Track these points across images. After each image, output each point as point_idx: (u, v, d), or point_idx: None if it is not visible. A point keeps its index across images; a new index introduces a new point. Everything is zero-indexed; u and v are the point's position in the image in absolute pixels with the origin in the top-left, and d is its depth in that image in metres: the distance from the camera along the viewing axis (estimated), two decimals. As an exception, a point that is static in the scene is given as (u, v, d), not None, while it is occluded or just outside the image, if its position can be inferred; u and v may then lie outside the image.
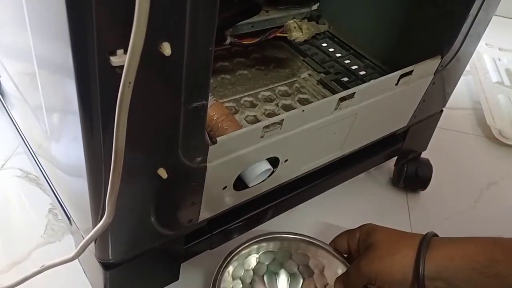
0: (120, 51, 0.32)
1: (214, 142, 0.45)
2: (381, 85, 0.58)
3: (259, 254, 0.63)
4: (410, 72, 0.59)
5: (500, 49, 1.32)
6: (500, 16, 1.47)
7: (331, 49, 0.78)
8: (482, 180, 0.90)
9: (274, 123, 0.49)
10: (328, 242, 0.63)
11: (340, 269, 0.60)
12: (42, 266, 0.48)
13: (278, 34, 0.72)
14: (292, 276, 0.63)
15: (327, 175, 0.67)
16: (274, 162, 0.54)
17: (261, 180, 0.54)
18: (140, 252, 0.50)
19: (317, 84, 0.70)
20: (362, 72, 0.73)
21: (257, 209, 0.61)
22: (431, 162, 0.83)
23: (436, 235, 0.53)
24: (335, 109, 0.55)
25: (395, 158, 0.81)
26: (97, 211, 0.42)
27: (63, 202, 0.58)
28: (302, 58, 0.75)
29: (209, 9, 0.34)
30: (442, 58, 0.63)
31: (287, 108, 0.65)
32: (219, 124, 0.52)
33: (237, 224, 0.60)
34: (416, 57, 0.61)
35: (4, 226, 0.69)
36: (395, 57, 0.72)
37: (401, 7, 0.69)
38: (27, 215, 0.71)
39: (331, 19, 0.80)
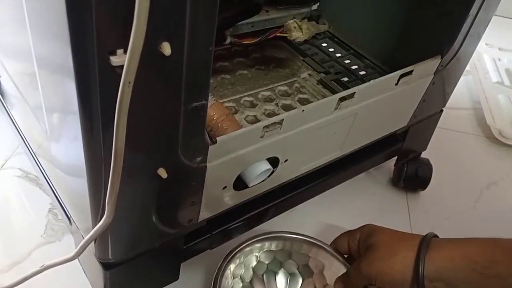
0: (120, 51, 0.32)
1: (214, 142, 0.45)
2: (381, 85, 0.58)
3: (259, 253, 0.63)
4: (410, 72, 0.59)
5: (500, 49, 1.32)
6: (500, 16, 1.47)
7: (331, 49, 0.78)
8: (482, 180, 0.90)
9: (274, 123, 0.49)
10: (328, 242, 0.63)
11: (340, 270, 0.60)
12: (42, 266, 0.48)
13: (278, 34, 0.72)
14: (291, 276, 0.63)
15: (327, 175, 0.67)
16: (274, 162, 0.54)
17: (261, 180, 0.54)
18: (140, 252, 0.50)
19: (317, 84, 0.70)
20: (362, 72, 0.73)
21: (257, 209, 0.61)
22: (431, 162, 0.83)
23: (436, 236, 0.53)
24: (335, 109, 0.55)
25: (395, 158, 0.81)
26: (97, 211, 0.42)
27: (63, 202, 0.58)
28: (302, 58, 0.75)
29: (209, 9, 0.34)
30: (442, 58, 0.63)
31: (287, 108, 0.65)
32: (219, 124, 0.52)
33: (237, 224, 0.60)
34: (416, 57, 0.61)
35: (4, 226, 0.69)
36: (395, 57, 0.72)
37: (401, 7, 0.69)
38: (27, 215, 0.71)
39: (331, 19, 0.80)
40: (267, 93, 0.67)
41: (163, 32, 0.33)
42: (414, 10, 0.68)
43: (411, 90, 0.64)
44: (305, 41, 0.76)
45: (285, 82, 0.70)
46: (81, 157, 0.38)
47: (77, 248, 0.44)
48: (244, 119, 0.62)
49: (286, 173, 0.58)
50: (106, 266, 0.49)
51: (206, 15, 0.34)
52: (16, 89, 0.60)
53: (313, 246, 0.63)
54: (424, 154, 0.84)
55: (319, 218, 0.76)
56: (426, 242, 0.51)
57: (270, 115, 0.64)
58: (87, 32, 0.30)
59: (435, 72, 0.64)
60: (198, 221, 0.53)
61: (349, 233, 0.60)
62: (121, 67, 0.31)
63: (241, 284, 0.61)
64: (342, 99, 0.54)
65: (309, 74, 0.72)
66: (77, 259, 0.46)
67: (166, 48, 0.33)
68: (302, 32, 0.73)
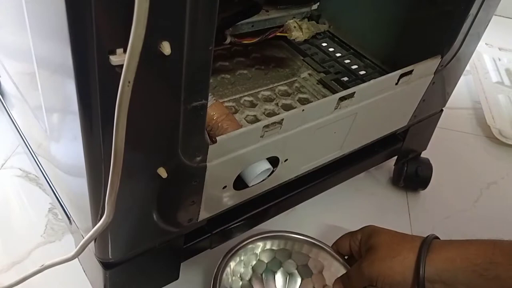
0: (119, 50, 0.32)
1: (214, 142, 0.45)
2: (381, 85, 0.58)
3: (260, 252, 0.63)
4: (410, 72, 0.59)
5: (500, 49, 1.32)
6: (500, 16, 1.47)
7: (331, 49, 0.78)
8: (482, 180, 0.90)
9: (274, 123, 0.49)
10: (328, 241, 0.63)
11: (340, 271, 0.60)
12: (42, 265, 0.48)
13: (278, 34, 0.72)
14: (290, 276, 0.63)
15: (327, 175, 0.67)
16: (274, 161, 0.54)
17: (261, 179, 0.54)
18: (140, 252, 0.50)
19: (317, 83, 0.70)
20: (362, 72, 0.73)
21: (257, 209, 0.61)
22: (431, 161, 0.83)
23: (437, 237, 0.53)
24: (335, 109, 0.55)
25: (395, 157, 0.81)
26: (97, 211, 0.42)
27: (63, 201, 0.58)
28: (302, 58, 0.75)
29: (209, 9, 0.34)
30: (442, 57, 0.63)
31: (287, 107, 0.65)
32: (219, 124, 0.52)
33: (237, 224, 0.60)
34: (416, 57, 0.61)
35: (4, 226, 0.69)
36: (395, 56, 0.72)
37: (401, 6, 0.69)
38: (27, 214, 0.71)
39: (331, 19, 0.80)
40: (267, 93, 0.67)
41: (162, 31, 0.33)
42: (414, 9, 0.68)
43: (411, 89, 0.64)
44: (305, 41, 0.76)
45: (285, 81, 0.70)
46: (81, 157, 0.38)
47: (77, 248, 0.44)
48: (244, 118, 0.62)
49: (286, 172, 0.58)
50: (106, 265, 0.49)
51: (206, 14, 0.34)
52: (16, 89, 0.60)
53: (313, 247, 0.63)
54: (424, 154, 0.84)
55: (319, 217, 0.76)
56: (427, 243, 0.51)
57: (270, 114, 0.64)
58: (87, 32, 0.30)
59: (435, 72, 0.64)
60: (198, 220, 0.53)
61: (351, 234, 0.60)
62: (121, 66, 0.31)
63: (240, 283, 0.61)
64: (342, 98, 0.54)
65: (309, 74, 0.72)
66: (77, 259, 0.46)
67: (166, 48, 0.33)
68: (302, 31, 0.72)
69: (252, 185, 0.54)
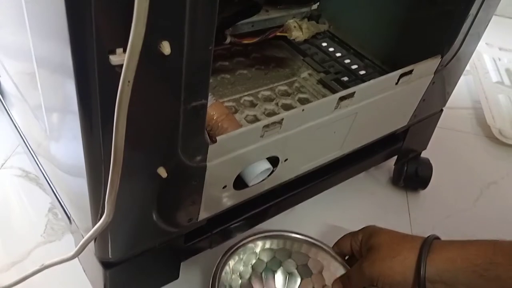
0: (119, 50, 0.32)
1: (214, 141, 0.45)
2: (381, 85, 0.58)
3: (259, 251, 0.63)
4: (410, 72, 0.59)
5: (500, 48, 1.32)
6: (500, 16, 1.47)
7: (331, 49, 0.78)
8: (482, 180, 0.90)
9: (274, 123, 0.49)
10: (327, 241, 0.63)
11: (339, 271, 0.60)
12: (42, 265, 0.48)
13: (278, 34, 0.72)
14: (290, 275, 0.63)
15: (327, 175, 0.67)
16: (274, 161, 0.54)
17: (261, 179, 0.54)
18: (140, 251, 0.50)
19: (317, 83, 0.70)
20: (362, 72, 0.73)
21: (257, 208, 0.61)
22: (431, 161, 0.83)
23: (437, 238, 0.53)
24: (335, 109, 0.55)
25: (395, 157, 0.81)
26: (97, 210, 0.42)
27: (62, 201, 0.58)
28: (302, 58, 0.75)
29: (208, 8, 0.34)
30: (442, 57, 0.63)
31: (287, 107, 0.65)
32: (219, 124, 0.52)
33: (237, 223, 0.60)
34: (416, 57, 0.61)
35: (4, 226, 0.69)
36: (395, 56, 0.72)
37: (401, 6, 0.69)
38: (27, 214, 0.71)
39: (331, 19, 0.80)
40: (267, 93, 0.67)
41: (162, 31, 0.33)
42: (414, 9, 0.68)
43: (411, 89, 0.64)
44: (305, 41, 0.76)
45: (285, 81, 0.70)
46: (81, 157, 0.38)
47: (77, 247, 0.44)
48: (244, 118, 0.62)
49: (286, 172, 0.58)
50: (106, 265, 0.49)
51: (206, 14, 0.34)
52: (15, 88, 0.60)
53: (312, 247, 0.63)
54: (424, 154, 0.84)
55: (319, 217, 0.76)
56: (428, 244, 0.51)
57: (270, 114, 0.64)
58: (87, 31, 0.30)
59: (435, 72, 0.64)
60: (198, 220, 0.53)
61: (352, 234, 0.60)
62: (121, 66, 0.31)
63: (240, 281, 0.61)
64: (342, 98, 0.54)
65: (309, 74, 0.72)
66: (77, 259, 0.46)
67: (166, 47, 0.33)
68: (302, 31, 0.73)
69: (252, 185, 0.54)
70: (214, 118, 0.52)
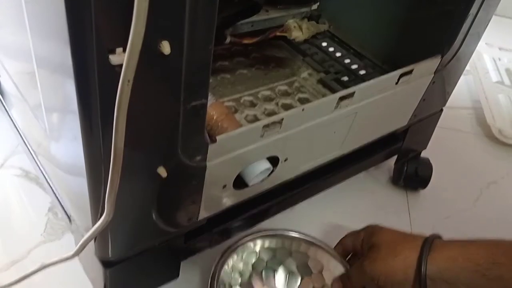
0: (119, 50, 0.32)
1: (214, 141, 0.45)
2: (381, 84, 0.58)
3: (259, 249, 0.63)
4: (410, 71, 0.59)
5: (500, 48, 1.32)
6: (500, 16, 1.47)
7: (331, 49, 0.78)
8: (482, 179, 0.90)
9: (274, 122, 0.49)
10: (327, 240, 0.63)
11: (338, 270, 0.60)
12: (42, 264, 0.49)
13: (278, 34, 0.72)
14: (290, 274, 0.63)
15: (327, 174, 0.67)
16: (274, 161, 0.54)
17: (261, 179, 0.54)
18: (140, 250, 0.50)
19: (317, 83, 0.70)
20: (362, 72, 0.73)
21: (256, 208, 0.61)
22: (431, 161, 0.83)
23: (439, 237, 0.53)
24: (335, 108, 0.55)
25: (395, 157, 0.81)
26: (97, 210, 0.42)
27: (62, 200, 0.58)
28: (302, 58, 0.75)
29: (208, 8, 0.34)
30: (442, 57, 0.63)
31: (287, 107, 0.65)
32: (219, 123, 0.52)
33: (237, 223, 0.60)
34: (416, 56, 0.61)
35: (4, 225, 0.69)
36: (395, 56, 0.72)
37: (401, 6, 0.69)
38: (27, 214, 0.72)
39: (331, 19, 0.80)
40: (267, 93, 0.67)
41: (162, 31, 0.33)
42: (414, 9, 0.68)
43: (411, 89, 0.64)
44: (305, 41, 0.76)
45: (285, 81, 0.70)
46: (81, 156, 0.38)
47: (77, 247, 0.44)
48: (244, 118, 0.62)
49: (286, 172, 0.59)
50: (106, 264, 0.49)
51: (206, 14, 0.34)
52: (15, 88, 0.60)
53: (311, 246, 0.63)
54: (424, 153, 0.84)
55: (319, 216, 0.76)
56: (429, 242, 0.51)
57: (270, 114, 0.64)
58: (86, 31, 0.30)
59: (435, 72, 0.64)
60: (198, 219, 0.53)
61: (354, 233, 0.60)
62: (120, 66, 0.31)
63: (240, 280, 0.61)
64: (342, 98, 0.54)
65: (309, 74, 0.72)
66: (77, 258, 0.47)
67: (166, 47, 0.33)
68: (302, 31, 0.73)
69: (252, 185, 0.54)
70: (214, 117, 0.52)
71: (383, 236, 0.55)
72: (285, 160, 0.55)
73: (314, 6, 0.79)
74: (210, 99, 0.53)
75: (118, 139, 0.34)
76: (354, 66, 0.74)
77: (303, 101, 0.67)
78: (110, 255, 0.48)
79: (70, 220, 0.57)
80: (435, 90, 0.68)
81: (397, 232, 0.56)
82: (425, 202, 0.83)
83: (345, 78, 0.71)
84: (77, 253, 0.45)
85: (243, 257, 0.61)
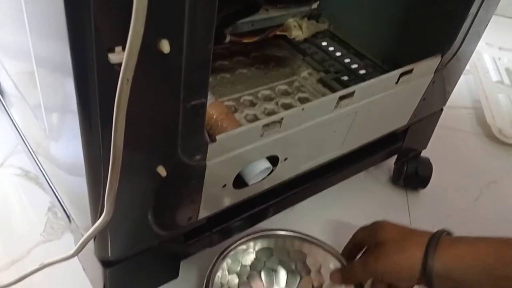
0: (118, 49, 0.32)
1: (214, 141, 0.45)
2: (381, 84, 0.58)
3: (256, 250, 0.63)
4: (410, 71, 0.59)
5: (500, 48, 1.32)
6: (500, 15, 1.47)
7: (331, 48, 0.78)
8: (482, 179, 0.90)
9: (274, 122, 0.49)
10: (327, 240, 0.63)
11: (333, 265, 0.60)
12: (42, 264, 0.48)
13: (278, 33, 0.72)
14: (290, 273, 0.63)
15: (327, 174, 0.67)
16: (273, 160, 0.54)
17: (261, 178, 0.54)
18: (140, 250, 0.50)
19: (317, 82, 0.70)
20: (362, 71, 0.73)
21: (256, 207, 0.61)
22: (431, 160, 0.83)
23: (448, 232, 0.53)
24: (335, 108, 0.55)
25: (395, 156, 0.81)
26: (96, 209, 0.42)
27: (62, 200, 0.58)
28: (302, 57, 0.75)
29: (208, 7, 0.34)
30: (442, 57, 0.63)
31: (287, 106, 0.65)
32: (219, 123, 0.52)
33: (237, 222, 0.60)
34: (416, 56, 0.61)
35: (3, 225, 0.69)
36: (395, 55, 0.72)
37: (402, 6, 0.69)
38: (26, 213, 0.71)
39: (331, 18, 0.80)
40: (267, 92, 0.67)
41: (161, 29, 0.33)
42: (415, 9, 0.68)
43: (411, 89, 0.64)
44: (305, 40, 0.76)
45: (285, 81, 0.70)
46: (80, 156, 0.38)
47: (77, 246, 0.44)
48: (244, 117, 0.62)
49: (286, 171, 0.58)
50: (105, 264, 0.49)
51: (205, 13, 0.34)
52: (15, 88, 0.60)
53: (306, 243, 0.63)
54: (424, 153, 0.84)
55: (318, 216, 0.76)
56: (435, 239, 0.51)
57: (270, 113, 0.63)
58: (86, 30, 0.30)
59: (435, 71, 0.64)
60: (198, 219, 0.53)
61: (363, 228, 0.60)
62: (120, 64, 0.31)
63: (237, 280, 0.61)
64: (342, 97, 0.54)
65: (309, 73, 0.72)
66: (76, 257, 0.47)
67: (165, 46, 0.33)
68: (302, 30, 0.73)
69: (252, 184, 0.54)
70: (214, 117, 0.52)
71: (389, 232, 0.55)
72: (285, 160, 0.55)
73: (314, 5, 0.79)
74: (210, 99, 0.53)
75: (118, 138, 0.34)
76: (354, 66, 0.74)
77: (303, 100, 0.67)
78: (109, 255, 0.48)
79: (69, 220, 0.57)
80: (435, 90, 0.68)
81: (403, 228, 0.56)
82: (425, 201, 0.83)
83: (345, 78, 0.71)
84: (76, 253, 0.45)
85: (240, 258, 0.61)
